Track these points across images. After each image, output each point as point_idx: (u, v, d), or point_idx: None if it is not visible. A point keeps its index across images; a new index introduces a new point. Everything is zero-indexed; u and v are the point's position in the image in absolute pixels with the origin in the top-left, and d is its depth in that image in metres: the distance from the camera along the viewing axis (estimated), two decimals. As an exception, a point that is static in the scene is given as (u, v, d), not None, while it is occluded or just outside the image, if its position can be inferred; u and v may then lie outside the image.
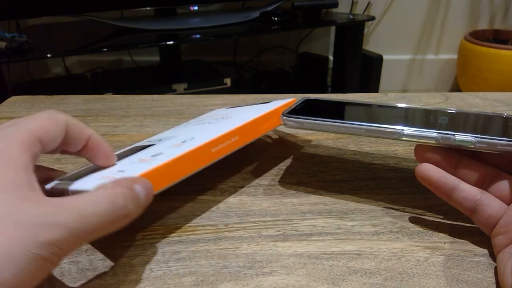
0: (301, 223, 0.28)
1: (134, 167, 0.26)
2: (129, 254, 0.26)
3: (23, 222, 0.18)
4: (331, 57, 1.75)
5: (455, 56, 1.81)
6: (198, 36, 1.36)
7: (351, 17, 1.59)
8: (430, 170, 0.26)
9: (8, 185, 0.19)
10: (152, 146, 0.30)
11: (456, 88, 1.91)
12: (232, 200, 0.31)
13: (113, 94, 1.17)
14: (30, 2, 1.20)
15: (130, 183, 0.22)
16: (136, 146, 0.32)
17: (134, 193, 0.22)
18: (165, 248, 0.26)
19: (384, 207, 0.30)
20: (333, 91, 1.66)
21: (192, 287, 0.23)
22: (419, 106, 0.32)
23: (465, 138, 0.25)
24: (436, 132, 0.26)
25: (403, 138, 0.26)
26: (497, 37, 1.73)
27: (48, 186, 0.27)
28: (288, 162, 0.36)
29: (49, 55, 1.23)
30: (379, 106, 0.32)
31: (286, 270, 0.24)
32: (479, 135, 0.25)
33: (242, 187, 0.32)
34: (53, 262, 0.19)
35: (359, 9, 1.77)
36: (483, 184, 0.26)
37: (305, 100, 0.33)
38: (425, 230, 0.28)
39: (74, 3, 1.26)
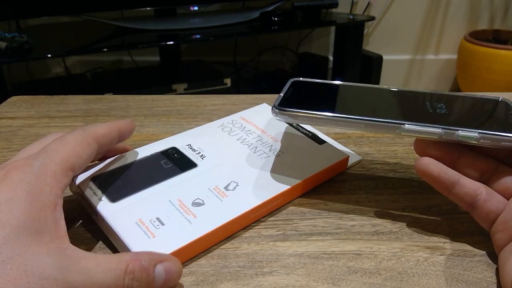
0: (301, 223, 0.28)
1: (173, 215, 0.26)
2: (129, 254, 0.26)
3: (34, 271, 0.18)
4: (331, 57, 1.75)
5: (455, 56, 1.81)
6: (198, 36, 1.36)
7: (351, 17, 1.59)
8: (430, 165, 0.25)
9: (30, 225, 0.19)
10: (190, 178, 0.29)
11: (456, 88, 1.91)
12: (232, 200, 0.31)
13: (113, 94, 1.17)
14: (30, 2, 1.20)
15: (151, 263, 0.21)
16: (171, 151, 0.32)
17: (149, 277, 0.21)
18: (165, 248, 0.26)
19: (384, 207, 0.30)
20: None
21: (192, 287, 0.23)
22: (415, 90, 0.30)
23: (469, 134, 0.24)
24: (439, 128, 0.25)
25: (404, 133, 0.25)
26: (497, 37, 1.73)
27: (77, 182, 0.28)
28: (288, 162, 0.36)
29: (49, 55, 1.23)
30: (375, 90, 0.30)
31: (286, 270, 0.24)
32: (482, 131, 0.24)
33: (242, 187, 0.32)
34: None
35: (359, 9, 1.77)
36: (483, 177, 0.26)
37: (293, 83, 0.30)
38: (424, 230, 0.28)
39: (74, 3, 1.26)
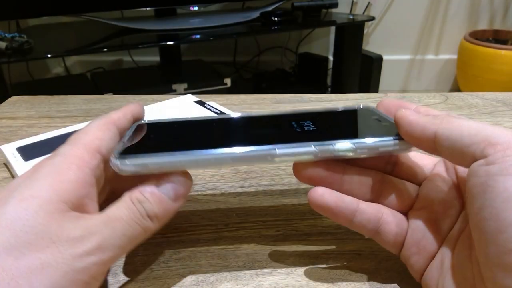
0: (301, 223, 0.28)
1: None
2: (129, 254, 0.26)
3: (59, 236, 0.18)
4: (331, 57, 1.75)
5: (455, 56, 1.81)
6: (198, 36, 1.36)
7: (351, 17, 1.59)
8: (325, 195, 0.22)
9: (56, 197, 0.19)
10: None
11: (456, 88, 1.91)
12: (232, 200, 0.31)
13: (113, 94, 1.17)
14: (30, 2, 1.20)
15: (150, 184, 0.21)
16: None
17: (155, 194, 0.21)
18: (165, 248, 0.26)
19: (384, 207, 0.30)
20: (332, 91, 1.66)
21: (192, 287, 0.23)
22: (277, 113, 0.27)
23: (344, 147, 0.22)
24: (312, 145, 0.22)
25: (278, 159, 0.22)
26: (497, 37, 1.73)
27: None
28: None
29: (49, 55, 1.23)
30: (233, 121, 0.27)
31: (286, 270, 0.24)
32: (357, 140, 0.22)
33: (242, 187, 0.32)
34: (95, 277, 0.19)
35: (359, 10, 1.77)
36: (373, 193, 0.23)
37: (137, 127, 0.25)
38: (424, 230, 0.28)
39: (74, 3, 1.27)
